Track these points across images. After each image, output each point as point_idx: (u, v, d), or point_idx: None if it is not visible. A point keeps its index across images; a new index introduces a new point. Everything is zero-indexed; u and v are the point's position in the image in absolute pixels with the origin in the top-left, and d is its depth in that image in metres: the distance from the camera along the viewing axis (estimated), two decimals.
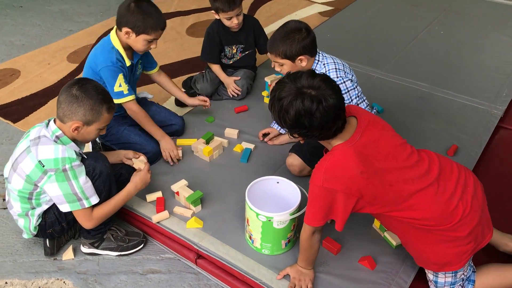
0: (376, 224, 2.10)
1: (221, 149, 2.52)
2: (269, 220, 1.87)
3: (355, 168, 1.59)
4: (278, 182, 2.04)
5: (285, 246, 1.99)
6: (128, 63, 2.29)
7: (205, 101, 2.67)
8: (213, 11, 2.79)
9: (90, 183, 1.85)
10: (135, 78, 2.47)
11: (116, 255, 2.09)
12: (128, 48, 2.29)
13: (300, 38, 2.08)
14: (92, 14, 4.26)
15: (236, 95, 2.89)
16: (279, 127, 2.44)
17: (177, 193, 2.20)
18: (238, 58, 2.96)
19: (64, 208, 1.84)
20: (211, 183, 2.33)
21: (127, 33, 2.19)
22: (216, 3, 2.71)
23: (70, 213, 1.90)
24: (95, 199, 1.88)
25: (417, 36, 3.70)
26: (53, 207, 1.92)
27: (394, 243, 2.01)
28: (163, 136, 2.42)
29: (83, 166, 1.84)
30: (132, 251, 2.10)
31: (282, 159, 2.47)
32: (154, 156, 2.41)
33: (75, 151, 1.83)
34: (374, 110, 2.29)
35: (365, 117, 1.70)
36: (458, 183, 1.68)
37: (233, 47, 2.94)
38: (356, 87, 2.19)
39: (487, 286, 1.80)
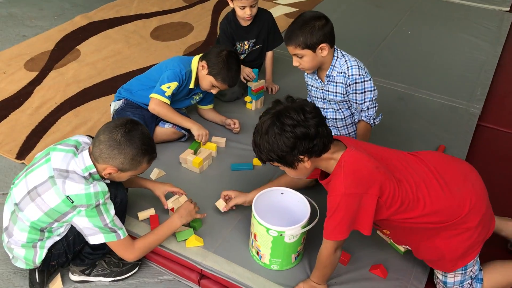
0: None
1: (210, 159, 2.39)
2: (281, 235, 1.78)
3: (370, 165, 1.59)
4: (282, 193, 1.95)
5: (295, 260, 1.91)
6: (191, 85, 2.41)
7: (235, 123, 2.58)
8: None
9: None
10: (187, 102, 2.53)
11: (110, 281, 1.93)
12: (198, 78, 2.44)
13: (320, 25, 1.99)
14: (46, 18, 3.98)
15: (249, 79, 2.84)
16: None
17: (172, 209, 2.06)
18: (248, 53, 2.88)
19: (96, 239, 1.68)
20: (205, 197, 2.20)
21: (202, 66, 2.36)
22: None
23: (78, 244, 1.73)
24: (125, 230, 1.74)
25: (386, 37, 3.74)
26: (63, 238, 1.74)
27: (402, 249, 1.98)
28: (193, 123, 2.39)
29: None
30: (127, 275, 1.94)
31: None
32: None
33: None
34: (380, 117, 2.24)
35: (347, 139, 1.72)
36: (458, 174, 1.70)
37: (245, 43, 2.84)
38: (373, 90, 2.13)
39: (495, 283, 1.81)
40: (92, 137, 2.40)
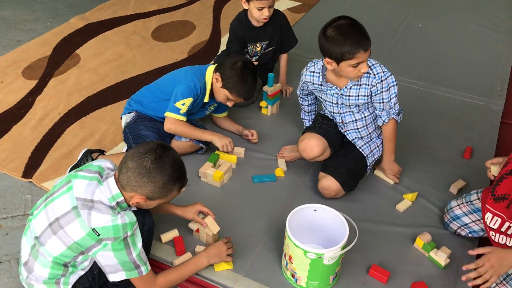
0: (419, 244, 1.96)
1: (231, 172, 2.27)
2: (319, 257, 1.67)
3: None
4: (315, 210, 1.84)
5: (332, 281, 1.80)
6: (206, 99, 2.29)
7: (252, 134, 2.45)
8: (243, 0, 2.57)
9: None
10: (202, 114, 2.42)
11: None
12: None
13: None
14: (40, 21, 3.79)
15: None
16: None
17: (197, 230, 1.94)
18: (260, 55, 2.74)
19: (117, 277, 1.55)
20: (228, 213, 2.08)
21: (216, 79, 2.23)
22: None
23: (104, 276, 1.59)
24: (149, 265, 1.62)
25: (397, 31, 3.61)
26: (87, 272, 1.61)
27: (443, 263, 1.88)
28: (212, 134, 2.29)
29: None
30: None
31: (297, 178, 2.28)
32: None
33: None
34: (401, 112, 2.14)
35: None
36: None
37: (257, 45, 2.70)
38: (396, 85, 2.05)
39: None
40: (100, 152, 2.29)
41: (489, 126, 2.65)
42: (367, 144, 2.18)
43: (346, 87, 2.05)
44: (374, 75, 1.99)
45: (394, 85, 2.03)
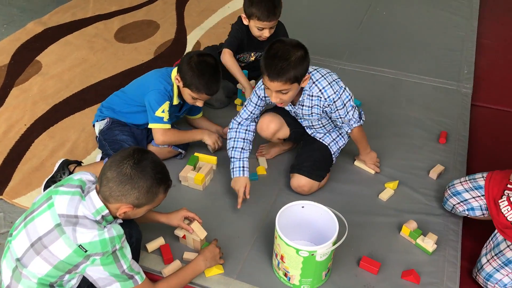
0: (405, 232, 1.98)
1: (212, 174, 2.23)
2: (312, 255, 1.65)
3: None
4: (303, 207, 1.83)
5: (325, 276, 1.79)
6: (175, 101, 2.21)
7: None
8: (243, 15, 2.46)
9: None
10: (178, 118, 2.37)
11: None
12: None
13: (303, 55, 1.82)
14: None
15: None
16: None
17: (184, 236, 1.89)
18: (251, 61, 2.67)
19: None
20: (213, 215, 2.04)
21: (177, 79, 2.15)
22: (252, 8, 2.38)
23: None
24: (143, 273, 1.56)
25: (363, 20, 3.63)
26: None
27: (430, 250, 1.91)
28: (202, 133, 2.29)
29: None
30: None
31: (279, 175, 2.26)
32: None
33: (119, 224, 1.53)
34: (362, 111, 2.13)
35: None
36: None
37: (252, 54, 2.64)
38: (351, 97, 2.00)
39: None
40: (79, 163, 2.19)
41: (460, 110, 2.70)
42: (327, 135, 2.18)
43: (297, 106, 2.02)
44: (325, 99, 1.94)
45: (349, 99, 1.98)
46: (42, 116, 2.70)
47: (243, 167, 2.05)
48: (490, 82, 2.97)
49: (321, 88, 1.93)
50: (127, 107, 2.24)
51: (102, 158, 2.26)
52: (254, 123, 2.14)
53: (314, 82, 1.94)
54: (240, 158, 2.06)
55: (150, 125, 2.15)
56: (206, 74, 2.09)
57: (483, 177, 1.95)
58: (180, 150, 2.29)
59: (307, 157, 2.14)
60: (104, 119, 2.27)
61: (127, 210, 1.49)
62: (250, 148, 2.12)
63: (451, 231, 2.01)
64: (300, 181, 2.09)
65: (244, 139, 2.09)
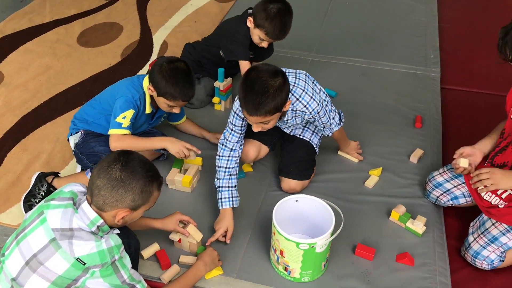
0: (394, 216, 2.03)
1: (199, 175, 2.21)
2: (312, 247, 1.67)
3: None
4: (297, 200, 1.84)
5: (324, 267, 1.82)
6: (148, 110, 2.14)
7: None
8: (251, 18, 2.38)
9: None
10: (152, 123, 2.27)
11: None
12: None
13: (282, 82, 1.72)
14: None
15: None
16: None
17: (179, 240, 1.87)
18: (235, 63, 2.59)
19: None
20: (205, 217, 2.03)
21: (150, 89, 2.06)
22: (266, 22, 2.31)
23: None
24: (144, 281, 1.53)
25: (327, 11, 3.67)
26: None
27: (420, 232, 1.97)
28: (162, 140, 2.12)
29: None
30: None
31: (266, 170, 2.27)
32: None
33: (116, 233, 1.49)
34: (340, 111, 2.15)
35: None
36: None
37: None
38: (329, 102, 2.01)
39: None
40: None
41: (431, 94, 2.79)
42: (306, 128, 2.19)
43: (281, 122, 2.02)
44: (310, 112, 1.92)
45: (329, 105, 2.00)
46: (12, 128, 2.60)
47: (232, 197, 1.97)
48: (456, 65, 3.07)
49: (305, 104, 1.89)
50: (99, 116, 2.17)
51: (82, 170, 2.20)
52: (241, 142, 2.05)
53: (297, 99, 1.88)
54: (229, 187, 1.98)
55: (109, 131, 2.05)
56: (180, 81, 2.02)
57: None
58: (162, 151, 2.25)
59: (291, 157, 2.14)
60: (78, 132, 2.20)
61: (125, 214, 1.46)
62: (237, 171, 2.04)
63: (436, 213, 2.08)
64: (290, 184, 2.11)
65: (233, 167, 2.01)
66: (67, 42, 3.39)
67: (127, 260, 1.49)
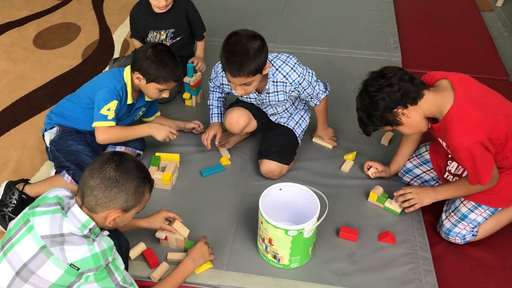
0: (373, 197, 2.09)
1: (177, 171, 2.20)
2: (300, 233, 1.71)
3: (477, 115, 1.67)
4: (280, 189, 1.87)
5: (311, 251, 1.86)
6: (129, 101, 2.12)
7: (199, 125, 2.38)
8: None
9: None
10: (130, 120, 2.24)
11: None
12: (137, 90, 2.16)
13: (261, 45, 1.85)
14: None
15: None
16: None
17: (166, 238, 1.86)
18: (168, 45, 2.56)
19: None
20: (188, 213, 2.02)
21: (138, 78, 2.06)
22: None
23: None
24: (135, 284, 1.51)
25: (287, 1, 3.70)
26: None
27: (399, 210, 2.04)
28: (150, 127, 2.16)
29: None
30: None
31: (244, 162, 2.28)
32: None
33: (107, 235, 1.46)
34: (326, 81, 2.23)
35: (455, 76, 1.78)
36: None
37: (162, 32, 2.58)
38: (312, 74, 2.09)
39: (486, 231, 1.95)
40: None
41: None
42: (290, 118, 2.25)
43: (263, 94, 2.06)
44: (291, 83, 2.00)
45: (312, 76, 2.07)
46: None
47: (219, 113, 2.26)
48: (415, 49, 3.18)
49: (285, 74, 1.98)
50: (78, 109, 2.14)
51: (57, 172, 2.14)
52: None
53: (277, 69, 1.99)
54: (217, 106, 2.26)
55: (94, 124, 2.05)
56: (168, 62, 2.05)
57: (427, 150, 2.11)
58: (137, 151, 2.23)
59: (273, 142, 2.18)
60: (53, 127, 2.15)
61: (116, 216, 1.44)
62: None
63: None
64: (270, 166, 2.13)
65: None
66: (23, 45, 3.27)
67: (120, 262, 1.48)
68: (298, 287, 1.77)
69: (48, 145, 2.15)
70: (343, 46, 3.15)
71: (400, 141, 2.18)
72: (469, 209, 1.89)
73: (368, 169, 2.18)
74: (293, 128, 2.21)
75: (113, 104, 2.05)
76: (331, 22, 3.44)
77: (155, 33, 2.59)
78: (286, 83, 1.99)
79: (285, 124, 2.21)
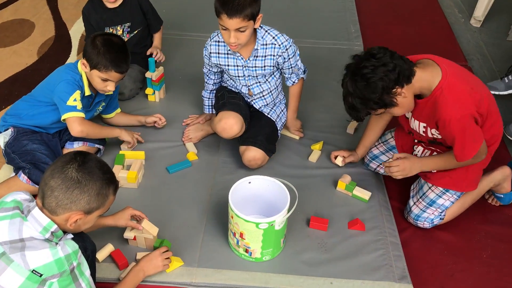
0: (341, 186, 2.10)
1: (143, 169, 2.15)
2: (271, 225, 1.70)
3: (465, 88, 1.69)
4: (250, 182, 1.85)
5: (283, 243, 1.86)
6: (87, 92, 2.05)
7: (160, 119, 2.33)
8: None
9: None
10: (90, 115, 2.16)
11: None
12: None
13: None
14: None
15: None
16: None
17: (134, 238, 1.82)
18: (127, 40, 2.51)
19: None
20: (156, 211, 1.98)
21: (83, 64, 2.00)
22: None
23: None
24: None
25: None
26: None
27: (367, 198, 2.06)
28: (120, 131, 2.19)
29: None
30: None
31: (211, 157, 2.25)
32: None
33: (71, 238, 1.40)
34: (306, 71, 2.26)
35: (433, 56, 1.79)
36: None
37: (118, 28, 2.50)
38: (296, 47, 2.13)
39: (453, 213, 1.99)
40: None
41: None
42: (273, 110, 2.25)
43: (250, 58, 2.05)
44: (279, 45, 2.03)
45: (296, 49, 2.11)
46: None
47: (210, 105, 2.37)
48: (376, 37, 3.21)
49: (274, 35, 2.03)
50: (35, 108, 2.07)
51: (17, 173, 2.06)
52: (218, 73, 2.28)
53: (266, 31, 2.04)
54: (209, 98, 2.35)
55: (64, 116, 1.97)
56: (112, 50, 1.97)
57: (392, 137, 2.14)
58: (97, 146, 2.17)
59: (258, 130, 2.15)
60: (7, 129, 2.07)
61: (78, 218, 1.38)
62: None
63: (377, 179, 2.18)
64: (256, 154, 2.10)
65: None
66: None
67: (85, 267, 1.42)
68: (271, 280, 1.76)
69: (2, 148, 2.06)
70: (306, 36, 3.15)
71: (365, 128, 2.20)
72: (437, 194, 1.92)
73: (335, 158, 2.19)
74: (275, 120, 2.22)
75: (77, 94, 1.98)
76: (293, 12, 3.44)
77: (111, 29, 2.51)
78: (275, 44, 2.02)
79: (268, 115, 2.21)
